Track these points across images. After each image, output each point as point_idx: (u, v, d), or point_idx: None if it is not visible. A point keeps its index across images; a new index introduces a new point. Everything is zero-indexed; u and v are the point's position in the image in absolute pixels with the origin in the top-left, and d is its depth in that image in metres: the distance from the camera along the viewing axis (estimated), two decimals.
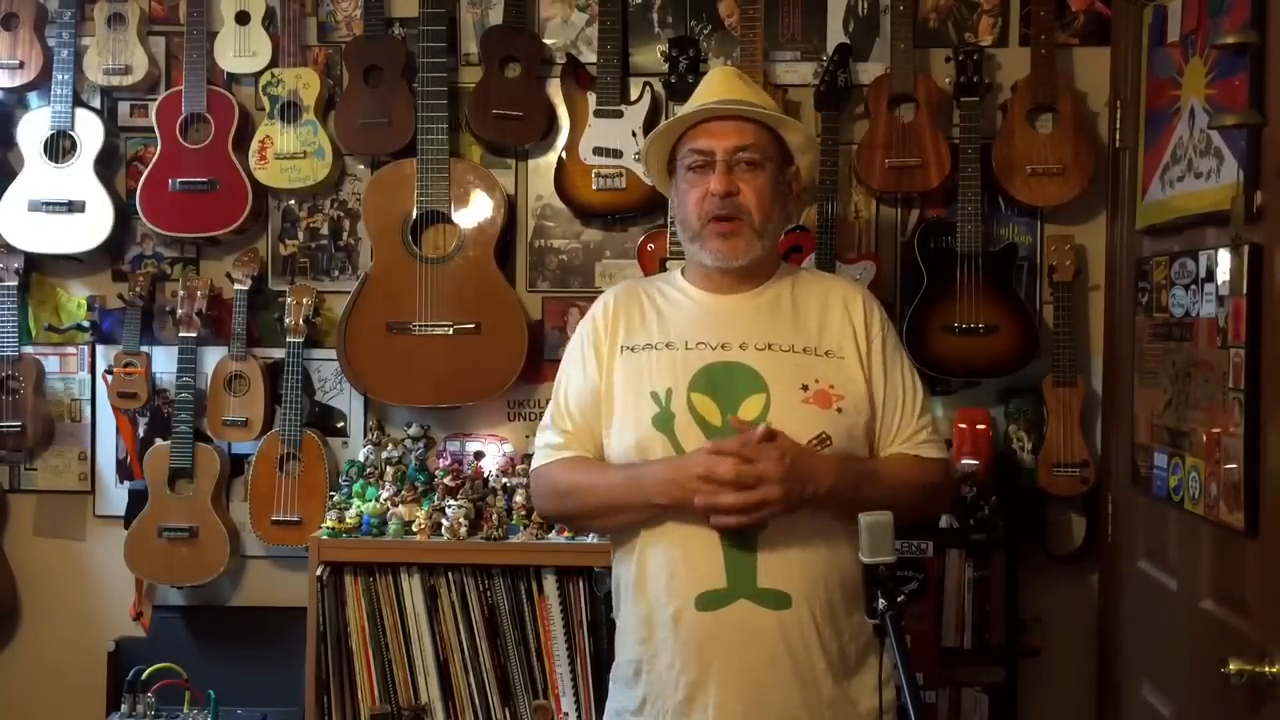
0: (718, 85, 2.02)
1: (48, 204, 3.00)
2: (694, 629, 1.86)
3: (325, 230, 3.12)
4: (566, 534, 2.76)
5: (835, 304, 2.01)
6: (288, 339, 3.00)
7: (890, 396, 1.97)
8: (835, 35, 2.98)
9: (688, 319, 2.00)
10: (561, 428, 2.02)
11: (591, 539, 2.73)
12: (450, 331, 2.90)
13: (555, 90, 3.02)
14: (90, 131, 3.03)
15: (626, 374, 1.96)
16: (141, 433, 3.14)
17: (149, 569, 3.03)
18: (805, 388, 1.91)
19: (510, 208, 3.00)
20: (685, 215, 1.99)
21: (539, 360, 3.02)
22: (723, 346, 1.94)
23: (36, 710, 3.15)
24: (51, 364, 3.15)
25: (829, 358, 1.95)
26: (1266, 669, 1.80)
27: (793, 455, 1.80)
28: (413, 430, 2.99)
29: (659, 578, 1.89)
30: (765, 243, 1.97)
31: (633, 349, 1.98)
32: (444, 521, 2.77)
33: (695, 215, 1.96)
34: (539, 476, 2.05)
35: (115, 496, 3.13)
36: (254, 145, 3.00)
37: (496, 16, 3.04)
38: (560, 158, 2.98)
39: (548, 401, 2.98)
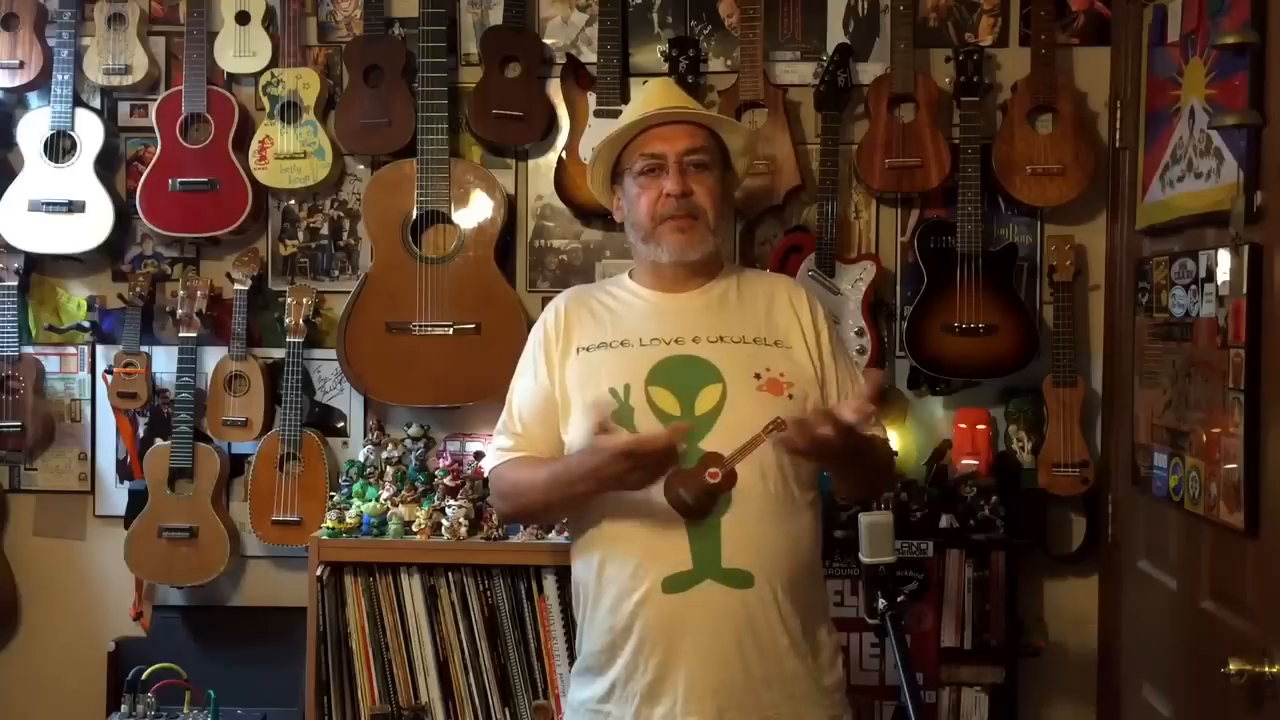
0: (659, 95, 2.13)
1: (48, 204, 3.00)
2: (661, 611, 1.91)
3: (325, 230, 3.12)
4: (567, 534, 2.75)
5: (780, 298, 2.11)
6: (288, 339, 3.00)
7: (841, 384, 2.07)
8: (835, 35, 2.98)
9: (640, 317, 2.08)
10: (512, 431, 2.10)
11: None
12: (450, 331, 2.90)
13: (555, 90, 3.02)
14: (90, 131, 3.03)
15: (584, 373, 2.03)
16: (141, 433, 3.14)
17: (149, 569, 3.03)
18: (758, 376, 1.99)
19: (510, 208, 3.00)
20: (638, 217, 2.08)
21: None
22: (676, 340, 2.02)
23: (36, 710, 3.15)
24: (51, 364, 3.15)
25: (778, 348, 2.04)
26: (1266, 669, 1.80)
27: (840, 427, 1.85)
28: (413, 430, 2.99)
29: (625, 564, 1.95)
30: (716, 240, 2.08)
31: (588, 349, 2.06)
32: (444, 521, 2.77)
33: (649, 216, 2.05)
34: (492, 479, 2.14)
35: (115, 496, 3.13)
36: (254, 145, 3.00)
37: (496, 16, 3.04)
38: (560, 158, 2.98)
39: None
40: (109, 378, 3.09)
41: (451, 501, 2.80)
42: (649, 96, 2.13)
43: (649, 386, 1.97)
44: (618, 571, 1.95)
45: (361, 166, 3.10)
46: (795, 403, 1.97)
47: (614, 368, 2.01)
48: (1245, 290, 1.96)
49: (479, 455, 3.00)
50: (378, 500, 2.85)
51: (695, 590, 1.90)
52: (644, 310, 2.09)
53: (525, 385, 2.11)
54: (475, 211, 2.94)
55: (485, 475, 2.20)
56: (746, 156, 2.20)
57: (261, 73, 3.02)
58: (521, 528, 2.77)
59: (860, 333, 2.86)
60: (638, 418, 1.95)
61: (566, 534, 2.73)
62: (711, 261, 2.11)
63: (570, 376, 2.05)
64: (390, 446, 2.97)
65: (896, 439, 2.84)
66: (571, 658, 2.70)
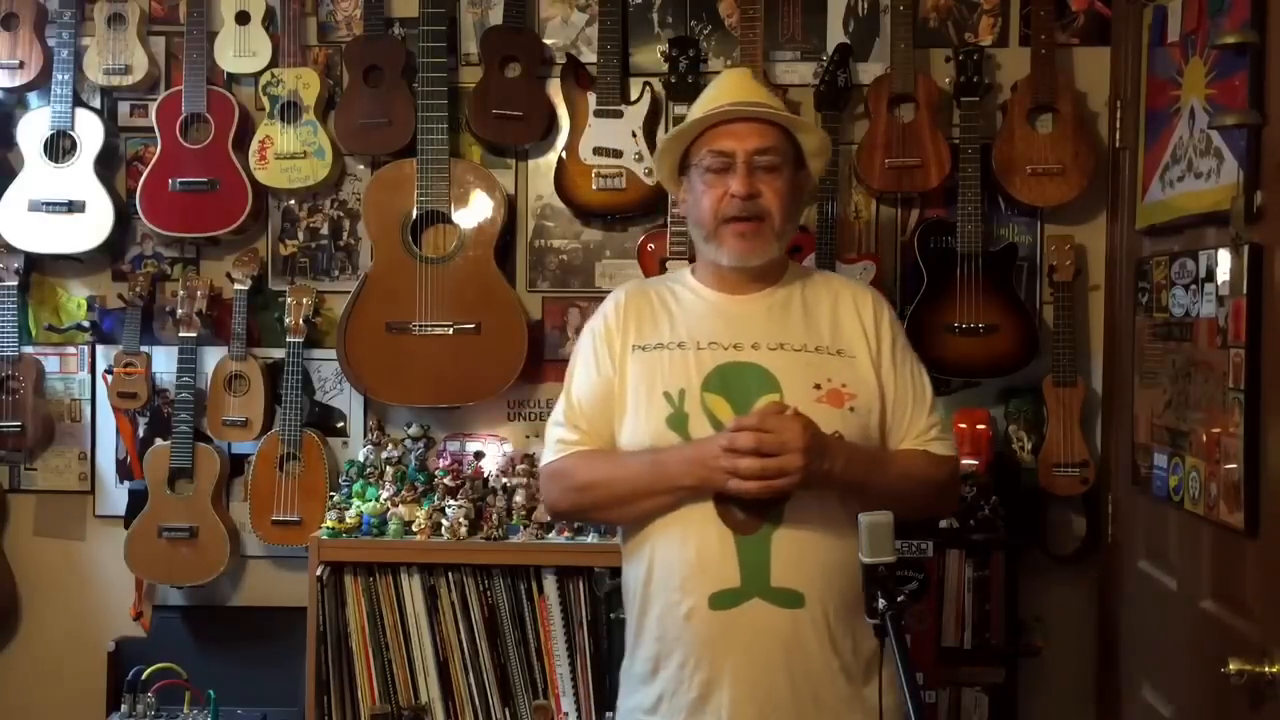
0: (733, 87, 2.01)
1: (48, 204, 3.00)
2: (707, 628, 1.85)
3: (325, 230, 3.12)
4: (566, 534, 2.76)
5: (846, 304, 2.01)
6: (288, 339, 3.00)
7: (900, 395, 1.98)
8: (835, 35, 2.98)
9: (700, 319, 1.99)
10: (574, 424, 2.00)
11: (591, 538, 2.73)
12: (450, 331, 2.90)
13: (555, 90, 3.02)
14: (90, 131, 3.03)
15: (639, 373, 1.96)
16: (141, 433, 3.14)
17: (149, 569, 3.03)
18: (818, 387, 1.91)
19: (510, 208, 3.00)
20: (700, 215, 1.98)
21: (539, 360, 3.02)
22: (735, 346, 1.94)
23: (36, 710, 3.15)
24: (51, 364, 3.15)
25: (840, 357, 1.95)
26: (1266, 669, 1.79)
27: (813, 429, 1.80)
28: (413, 430, 2.99)
29: (672, 576, 1.88)
30: (781, 245, 1.98)
31: (644, 348, 1.98)
32: (444, 521, 2.77)
33: (712, 215, 1.95)
34: (552, 473, 2.02)
35: (115, 496, 3.13)
36: (254, 145, 3.00)
37: (496, 16, 3.04)
38: (560, 158, 2.98)
39: (548, 401, 3.03)
40: (109, 378, 3.09)
41: (451, 501, 2.80)
42: (724, 88, 2.02)
43: (704, 393, 1.90)
44: (666, 583, 1.89)
45: (361, 166, 3.10)
46: (857, 415, 1.91)
47: (670, 371, 1.93)
48: (1245, 290, 1.95)
49: (479, 455, 3.00)
50: (378, 500, 2.85)
51: (743, 608, 1.84)
52: (704, 311, 2.01)
53: (586, 377, 2.01)
54: (475, 211, 2.94)
55: (541, 467, 2.07)
56: (821, 157, 2.07)
57: (261, 73, 3.02)
58: (522, 528, 2.77)
59: None
60: (692, 424, 1.88)
61: (567, 534, 2.76)
62: (776, 264, 2.02)
63: (627, 374, 1.97)
64: (390, 446, 2.97)
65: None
66: (572, 658, 2.72)
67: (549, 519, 2.77)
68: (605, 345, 2.01)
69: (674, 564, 1.88)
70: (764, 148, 1.94)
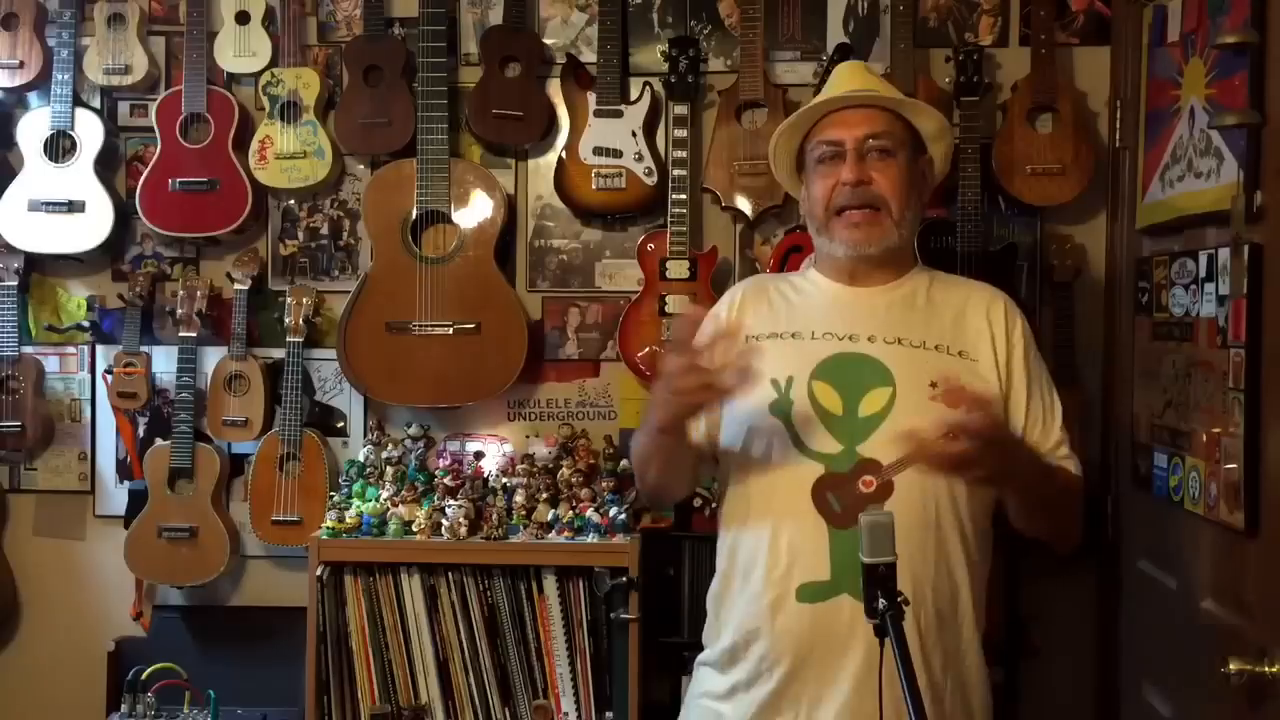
0: (845, 78, 1.98)
1: (48, 204, 3.00)
2: (792, 620, 1.80)
3: (325, 230, 3.12)
4: (566, 534, 2.76)
5: (975, 307, 1.95)
6: (288, 339, 3.00)
7: (1032, 408, 1.91)
8: (835, 35, 2.98)
9: (816, 308, 1.95)
10: None
11: (591, 538, 2.73)
12: (450, 331, 2.90)
13: (555, 90, 3.01)
14: (90, 131, 3.03)
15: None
16: (141, 433, 3.14)
17: (149, 569, 3.03)
18: (934, 385, 1.82)
19: (510, 208, 3.00)
20: (812, 207, 1.95)
21: (539, 360, 3.03)
22: (850, 337, 1.89)
23: (36, 710, 3.15)
24: (51, 364, 3.15)
25: (962, 358, 1.89)
26: (1266, 669, 1.79)
27: (1001, 425, 1.75)
28: (413, 430, 2.99)
29: (761, 564, 1.83)
30: (903, 232, 1.93)
31: (756, 338, 1.92)
32: (444, 521, 2.77)
33: (822, 206, 1.92)
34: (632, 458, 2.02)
35: (115, 496, 3.13)
36: (254, 145, 3.00)
37: (496, 16, 3.04)
38: (560, 158, 2.98)
39: (548, 401, 3.04)
40: (109, 378, 3.09)
41: (451, 501, 2.80)
42: (837, 81, 1.98)
43: (813, 381, 1.84)
44: (754, 570, 1.84)
45: (361, 166, 3.10)
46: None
47: (779, 358, 1.86)
48: (1245, 290, 1.95)
49: (479, 455, 3.00)
50: (378, 500, 2.85)
51: (830, 603, 1.77)
52: (821, 302, 1.95)
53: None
54: (475, 211, 2.94)
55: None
56: (942, 140, 2.00)
57: (261, 73, 3.02)
58: (522, 528, 2.77)
59: None
60: (796, 411, 1.82)
61: (567, 534, 2.76)
62: (899, 256, 1.95)
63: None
64: (390, 446, 2.97)
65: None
66: (572, 658, 2.72)
67: (547, 519, 2.78)
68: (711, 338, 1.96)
69: (765, 551, 1.83)
70: (874, 133, 1.89)
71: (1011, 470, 1.76)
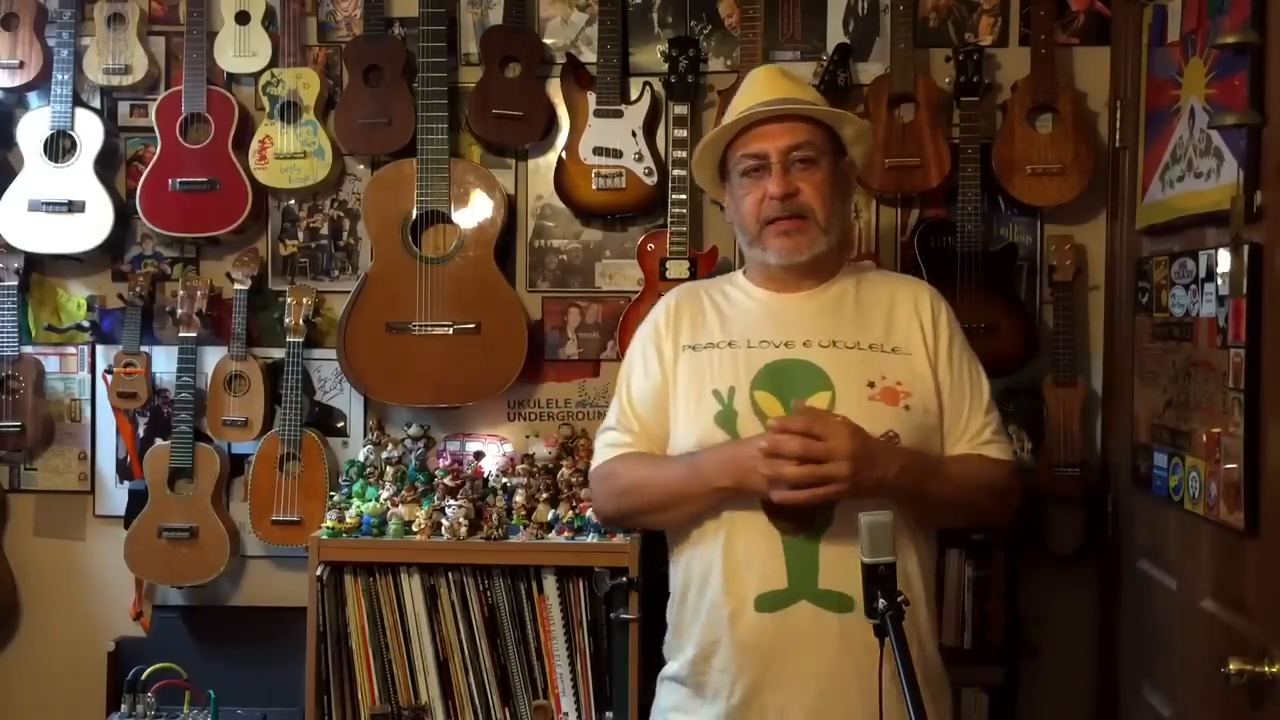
0: (762, 86, 2.00)
1: (48, 204, 3.00)
2: (752, 630, 1.82)
3: (325, 230, 3.12)
4: (566, 534, 2.76)
5: (903, 302, 1.99)
6: (288, 339, 3.00)
7: (957, 394, 1.95)
8: (835, 35, 2.98)
9: (750, 318, 1.98)
10: (628, 427, 2.00)
11: (591, 538, 2.73)
12: (450, 331, 2.90)
13: (555, 90, 3.01)
14: (90, 131, 3.03)
15: (689, 373, 1.95)
16: (141, 433, 3.14)
17: (149, 569, 3.03)
18: (871, 384, 1.88)
19: (510, 208, 3.00)
20: (742, 219, 1.98)
21: (539, 360, 3.03)
22: (786, 344, 1.92)
23: (36, 710, 3.15)
24: (51, 364, 3.15)
25: (896, 354, 1.93)
26: (1266, 669, 1.79)
27: (862, 436, 1.76)
28: (413, 430, 2.99)
29: (717, 577, 1.86)
30: (830, 238, 1.96)
31: (694, 348, 1.96)
32: (444, 521, 2.76)
33: (753, 219, 1.95)
34: (600, 476, 2.02)
35: (115, 496, 3.13)
36: (254, 145, 3.00)
37: (496, 16, 3.04)
38: (560, 158, 2.98)
39: (548, 401, 3.04)
40: (109, 378, 3.09)
41: (451, 501, 2.80)
42: (753, 88, 2.00)
43: (754, 391, 1.88)
44: (710, 583, 1.86)
45: (361, 166, 3.10)
46: (912, 414, 1.87)
47: (720, 369, 1.92)
48: (1245, 290, 1.95)
49: (479, 455, 3.00)
50: (378, 500, 2.85)
51: (790, 610, 1.80)
52: (755, 311, 1.99)
53: (638, 379, 2.01)
54: (475, 211, 2.94)
55: (591, 471, 2.07)
56: (861, 143, 2.04)
57: (261, 73, 3.02)
58: (522, 528, 2.77)
59: None
60: (741, 422, 1.86)
61: (567, 534, 2.75)
62: (827, 261, 1.99)
63: (678, 375, 1.96)
64: (390, 446, 2.97)
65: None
66: (572, 658, 2.71)
67: (547, 519, 2.78)
68: (655, 348, 2.00)
69: (720, 564, 1.85)
70: (797, 144, 1.92)
71: (881, 480, 1.77)
